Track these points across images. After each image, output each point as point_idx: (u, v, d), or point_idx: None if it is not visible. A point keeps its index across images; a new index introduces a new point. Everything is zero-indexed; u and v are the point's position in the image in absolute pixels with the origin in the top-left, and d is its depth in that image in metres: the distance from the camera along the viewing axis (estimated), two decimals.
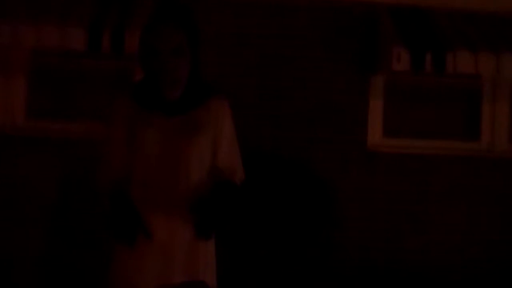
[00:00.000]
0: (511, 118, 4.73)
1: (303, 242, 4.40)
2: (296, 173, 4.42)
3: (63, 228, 4.30)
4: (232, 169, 2.56)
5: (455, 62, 4.37)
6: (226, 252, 2.66)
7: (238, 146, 2.62)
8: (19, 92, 4.41)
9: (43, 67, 4.45)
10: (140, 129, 2.44)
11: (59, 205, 4.30)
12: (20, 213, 4.29)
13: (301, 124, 4.49)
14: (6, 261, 4.26)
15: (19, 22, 4.11)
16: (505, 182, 4.65)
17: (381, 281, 4.47)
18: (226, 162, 2.54)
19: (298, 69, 4.48)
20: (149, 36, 2.44)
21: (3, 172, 4.31)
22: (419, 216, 4.60)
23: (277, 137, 4.45)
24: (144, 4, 4.16)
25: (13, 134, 4.35)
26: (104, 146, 2.51)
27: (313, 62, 4.49)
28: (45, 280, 4.27)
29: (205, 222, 2.37)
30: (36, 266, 4.28)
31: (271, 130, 4.44)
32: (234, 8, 4.40)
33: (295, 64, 4.47)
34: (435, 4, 4.52)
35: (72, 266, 4.27)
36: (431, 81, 4.68)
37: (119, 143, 2.47)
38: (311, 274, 4.40)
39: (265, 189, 4.28)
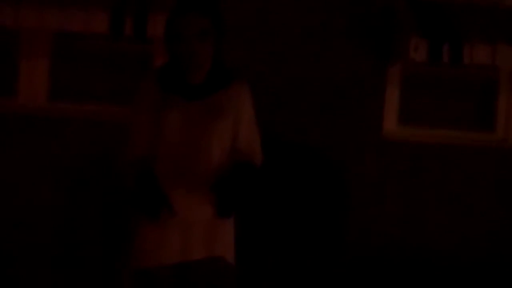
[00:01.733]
0: None
1: (316, 225, 4.48)
2: (311, 158, 4.49)
3: (84, 209, 4.40)
4: (252, 152, 2.64)
5: (472, 53, 4.41)
6: (244, 230, 2.74)
7: (258, 130, 2.70)
8: (42, 74, 4.50)
9: (66, 49, 4.53)
10: (164, 111, 2.53)
11: (80, 186, 4.39)
12: (41, 193, 4.39)
13: (318, 111, 4.55)
14: (27, 241, 4.36)
15: (43, 6, 4.19)
16: None
17: (393, 267, 4.53)
18: (246, 144, 2.63)
19: (316, 57, 4.53)
20: (175, 21, 2.52)
21: (25, 153, 4.40)
22: (432, 204, 4.64)
23: (294, 123, 4.51)
24: None
25: (36, 116, 4.44)
26: (130, 127, 2.60)
27: (332, 51, 4.53)
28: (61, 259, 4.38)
29: (225, 201, 2.47)
30: (55, 244, 4.39)
31: (289, 116, 4.50)
32: None
33: (314, 52, 4.52)
34: None
35: (91, 244, 4.37)
36: (448, 71, 4.71)
37: (144, 124, 2.57)
38: (324, 256, 4.47)
39: (281, 173, 4.36)
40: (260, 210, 4.16)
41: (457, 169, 4.66)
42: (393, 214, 4.60)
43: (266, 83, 4.40)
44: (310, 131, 4.51)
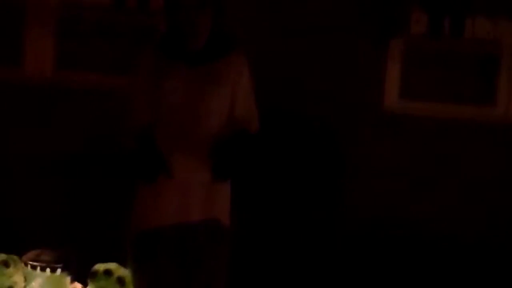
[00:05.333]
0: None
1: (315, 197, 4.53)
2: (311, 130, 4.54)
3: (89, 179, 4.47)
4: (248, 119, 2.72)
5: (474, 27, 4.43)
6: (240, 195, 2.81)
7: (255, 99, 2.77)
8: (48, 45, 4.55)
9: (71, 21, 4.58)
10: (163, 77, 2.60)
11: (85, 155, 4.47)
12: (47, 163, 4.47)
13: (318, 84, 4.58)
14: (30, 210, 4.45)
15: None
16: None
17: (393, 241, 4.57)
18: (243, 112, 2.70)
19: (318, 30, 4.55)
20: None
21: (32, 123, 4.47)
22: (432, 178, 4.67)
23: (294, 95, 4.55)
24: None
25: (42, 85, 4.50)
26: (131, 93, 2.67)
27: (333, 25, 4.55)
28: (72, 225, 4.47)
29: (222, 165, 2.54)
30: (61, 213, 4.48)
31: (289, 89, 4.54)
32: None
33: (315, 27, 4.55)
34: None
35: (97, 211, 4.46)
36: (449, 45, 4.72)
37: (144, 90, 2.64)
38: (321, 229, 4.53)
39: (279, 143, 4.41)
40: (259, 178, 4.21)
41: (458, 143, 4.68)
42: (393, 187, 4.63)
43: (267, 56, 4.43)
44: (311, 105, 4.55)
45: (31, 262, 3.81)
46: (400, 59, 4.69)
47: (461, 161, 4.67)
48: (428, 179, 4.66)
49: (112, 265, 3.84)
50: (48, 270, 3.79)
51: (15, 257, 3.90)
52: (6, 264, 3.85)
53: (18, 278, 3.87)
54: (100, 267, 3.86)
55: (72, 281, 3.89)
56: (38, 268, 3.79)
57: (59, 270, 3.80)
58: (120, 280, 3.78)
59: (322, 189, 4.56)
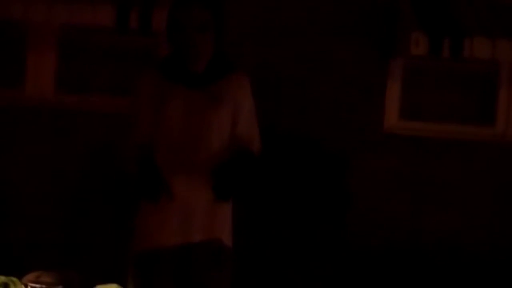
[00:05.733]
0: None
1: (317, 218, 4.53)
2: (312, 151, 4.55)
3: (89, 200, 4.47)
4: (250, 140, 2.73)
5: (473, 47, 4.47)
6: (242, 215, 2.82)
7: (257, 120, 2.78)
8: (49, 66, 4.57)
9: (72, 42, 4.61)
10: (164, 99, 2.62)
11: (86, 176, 4.47)
12: (48, 184, 4.47)
13: (320, 104, 4.60)
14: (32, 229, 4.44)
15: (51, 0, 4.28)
16: None
17: (394, 261, 4.57)
18: (245, 132, 2.71)
19: (319, 51, 4.59)
20: (177, 12, 2.60)
21: (32, 144, 4.48)
22: (433, 197, 4.68)
23: (295, 115, 4.57)
24: None
25: (43, 107, 4.51)
26: (131, 114, 2.69)
27: (334, 45, 4.59)
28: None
29: (223, 185, 2.54)
30: (64, 232, 4.47)
31: (290, 109, 4.56)
32: None
33: (316, 46, 4.58)
34: None
35: (99, 231, 4.45)
36: (449, 66, 4.76)
37: (145, 111, 2.65)
38: (324, 250, 4.53)
39: (281, 165, 4.42)
40: (261, 200, 4.22)
41: (457, 163, 4.70)
42: (394, 207, 4.64)
43: (268, 76, 4.46)
44: (312, 125, 4.57)
45: (31, 284, 3.80)
46: (401, 80, 4.72)
47: (461, 180, 4.68)
48: (428, 198, 4.67)
49: (113, 286, 3.83)
50: None
51: (15, 279, 3.89)
52: (6, 287, 3.84)
53: None
54: None
55: None
56: None
57: None
58: None
59: (323, 208, 4.56)
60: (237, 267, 2.71)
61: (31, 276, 3.85)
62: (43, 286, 3.78)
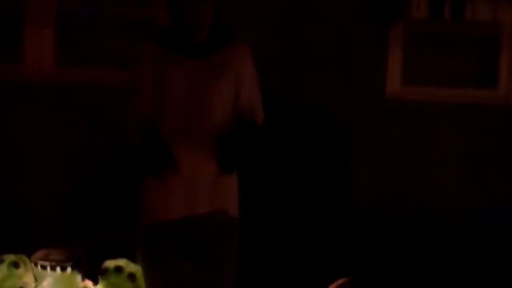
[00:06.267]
0: None
1: (319, 184, 4.55)
2: (314, 118, 4.55)
3: (95, 175, 4.47)
4: (253, 109, 2.72)
5: (474, 9, 4.42)
6: (247, 185, 2.81)
7: (259, 88, 2.76)
8: (48, 40, 4.54)
9: (71, 14, 4.57)
10: (166, 70, 2.60)
11: (88, 152, 4.47)
12: (51, 161, 4.47)
13: (321, 71, 4.58)
14: (32, 206, 4.45)
15: None
16: None
17: (399, 227, 4.59)
18: (248, 102, 2.70)
19: (319, 18, 4.55)
20: None
21: (33, 119, 4.47)
22: (436, 162, 4.69)
23: (297, 82, 4.55)
24: None
25: (42, 82, 4.49)
26: (134, 87, 2.67)
27: (334, 12, 4.55)
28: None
29: (227, 156, 2.54)
30: (69, 209, 4.48)
31: (291, 75, 4.54)
32: None
33: (317, 14, 4.54)
34: None
35: (105, 206, 4.47)
36: (450, 28, 4.71)
37: (147, 83, 2.64)
38: (327, 215, 4.55)
39: (282, 132, 4.42)
40: (263, 167, 4.22)
41: (460, 127, 4.69)
42: (397, 174, 4.65)
43: (269, 42, 4.43)
44: (314, 93, 4.55)
45: (41, 262, 3.80)
46: (402, 45, 4.69)
47: (464, 144, 4.68)
48: (431, 163, 4.67)
49: (122, 261, 3.84)
50: (58, 269, 3.78)
51: (24, 257, 3.90)
52: (15, 265, 3.84)
53: (28, 279, 3.86)
54: (110, 263, 3.86)
55: (83, 279, 3.89)
56: (48, 267, 3.78)
57: (69, 269, 3.79)
58: (131, 276, 3.79)
59: (327, 177, 4.57)
60: (244, 237, 2.72)
61: (40, 253, 3.86)
62: (53, 263, 3.78)
